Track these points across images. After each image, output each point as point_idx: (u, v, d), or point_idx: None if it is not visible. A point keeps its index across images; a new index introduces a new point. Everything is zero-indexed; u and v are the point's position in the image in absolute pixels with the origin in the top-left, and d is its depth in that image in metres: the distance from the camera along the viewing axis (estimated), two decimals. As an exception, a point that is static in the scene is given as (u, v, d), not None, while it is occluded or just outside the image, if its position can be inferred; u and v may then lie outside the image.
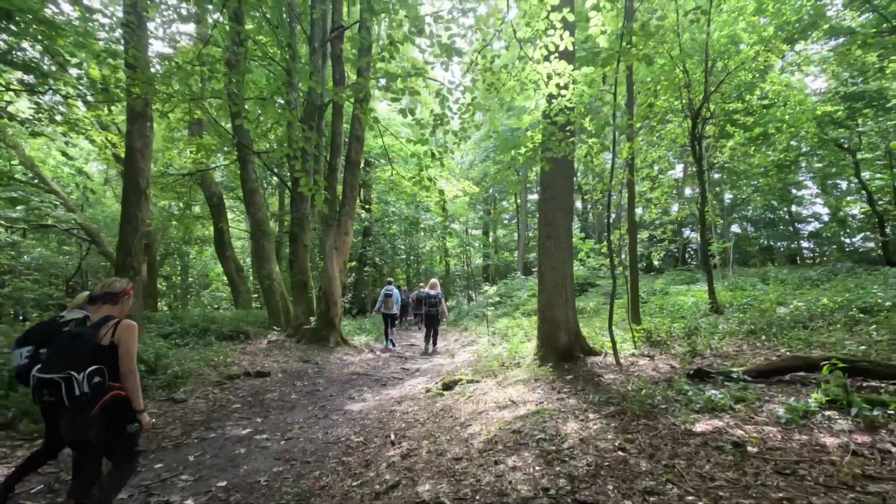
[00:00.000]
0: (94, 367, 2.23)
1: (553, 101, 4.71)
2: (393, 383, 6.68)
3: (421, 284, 14.94)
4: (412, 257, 26.47)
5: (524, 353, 6.71)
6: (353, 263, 19.52)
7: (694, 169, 10.18)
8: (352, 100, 11.35)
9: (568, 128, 5.21)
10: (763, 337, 5.95)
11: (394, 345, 9.76)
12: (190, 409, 5.11)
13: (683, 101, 8.69)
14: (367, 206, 17.60)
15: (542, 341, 5.99)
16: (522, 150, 5.39)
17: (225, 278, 17.45)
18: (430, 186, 4.95)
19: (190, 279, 25.58)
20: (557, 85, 4.48)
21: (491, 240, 27.89)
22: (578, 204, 22.22)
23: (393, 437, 4.09)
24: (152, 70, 5.94)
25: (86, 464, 2.43)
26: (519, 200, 22.22)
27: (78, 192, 20.25)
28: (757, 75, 9.54)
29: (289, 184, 10.37)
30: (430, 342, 9.35)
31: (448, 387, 5.67)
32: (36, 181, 13.79)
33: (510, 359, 6.58)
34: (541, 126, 5.12)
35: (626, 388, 4.54)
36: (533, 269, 17.61)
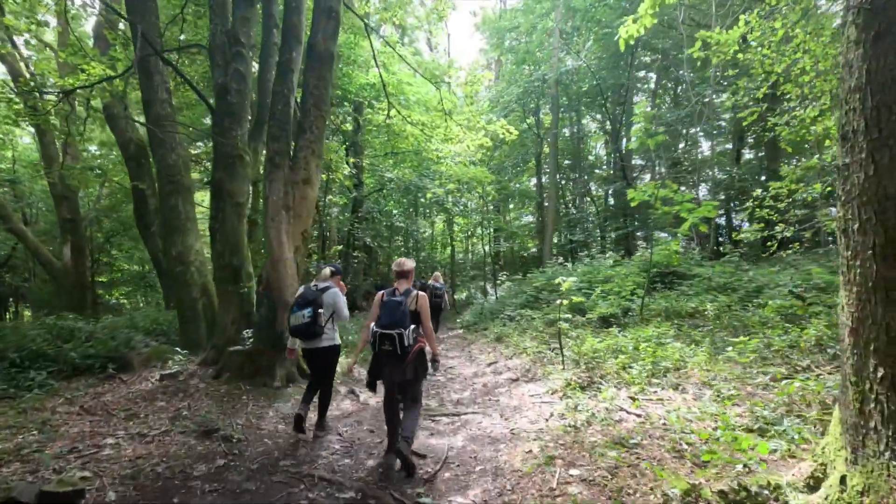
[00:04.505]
0: (412, 325, 3.11)
1: None
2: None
3: (430, 277, 14.55)
4: (411, 243, 22.30)
5: (759, 448, 2.62)
6: (339, 247, 15.29)
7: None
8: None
9: None
10: None
11: None
12: None
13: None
14: (353, 162, 13.22)
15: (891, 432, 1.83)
16: None
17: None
18: None
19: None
20: None
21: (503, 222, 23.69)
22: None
23: None
24: None
25: (407, 398, 3.26)
26: (546, 178, 18.04)
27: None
28: None
29: (212, 100, 6.10)
30: (438, 328, 10.15)
31: None
32: None
33: (737, 476, 2.48)
34: None
35: None
36: (582, 255, 13.37)
